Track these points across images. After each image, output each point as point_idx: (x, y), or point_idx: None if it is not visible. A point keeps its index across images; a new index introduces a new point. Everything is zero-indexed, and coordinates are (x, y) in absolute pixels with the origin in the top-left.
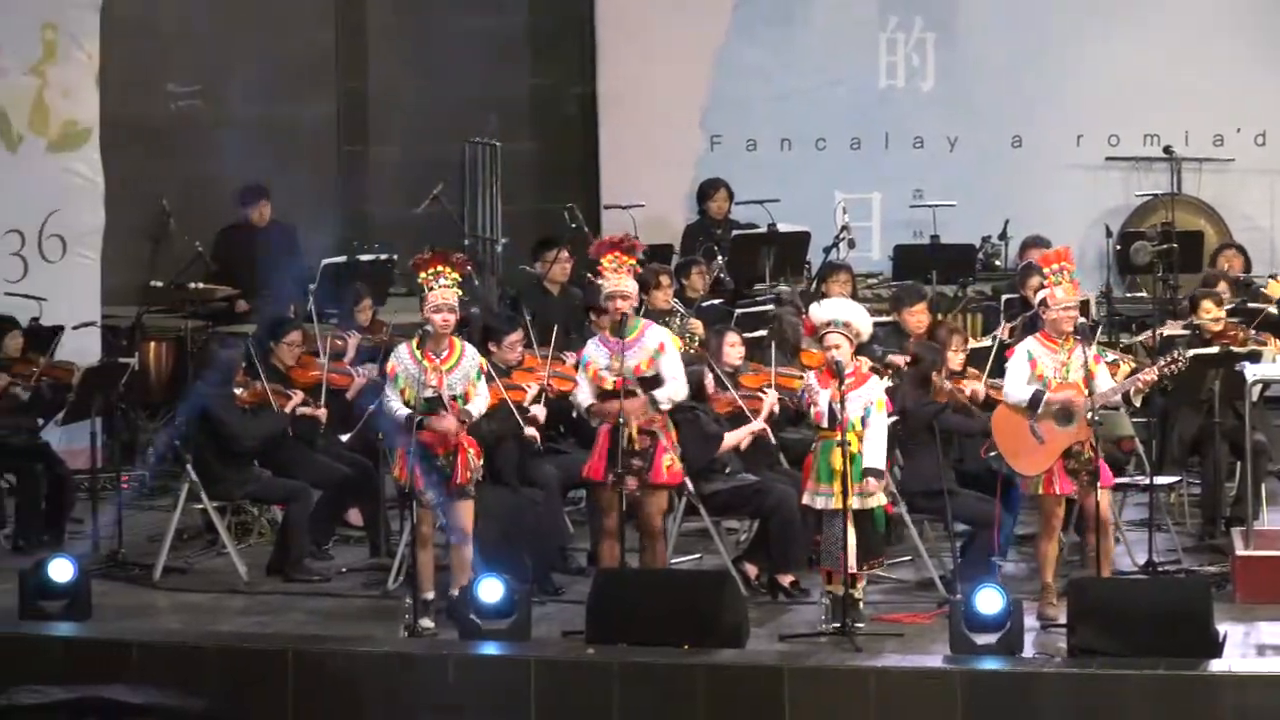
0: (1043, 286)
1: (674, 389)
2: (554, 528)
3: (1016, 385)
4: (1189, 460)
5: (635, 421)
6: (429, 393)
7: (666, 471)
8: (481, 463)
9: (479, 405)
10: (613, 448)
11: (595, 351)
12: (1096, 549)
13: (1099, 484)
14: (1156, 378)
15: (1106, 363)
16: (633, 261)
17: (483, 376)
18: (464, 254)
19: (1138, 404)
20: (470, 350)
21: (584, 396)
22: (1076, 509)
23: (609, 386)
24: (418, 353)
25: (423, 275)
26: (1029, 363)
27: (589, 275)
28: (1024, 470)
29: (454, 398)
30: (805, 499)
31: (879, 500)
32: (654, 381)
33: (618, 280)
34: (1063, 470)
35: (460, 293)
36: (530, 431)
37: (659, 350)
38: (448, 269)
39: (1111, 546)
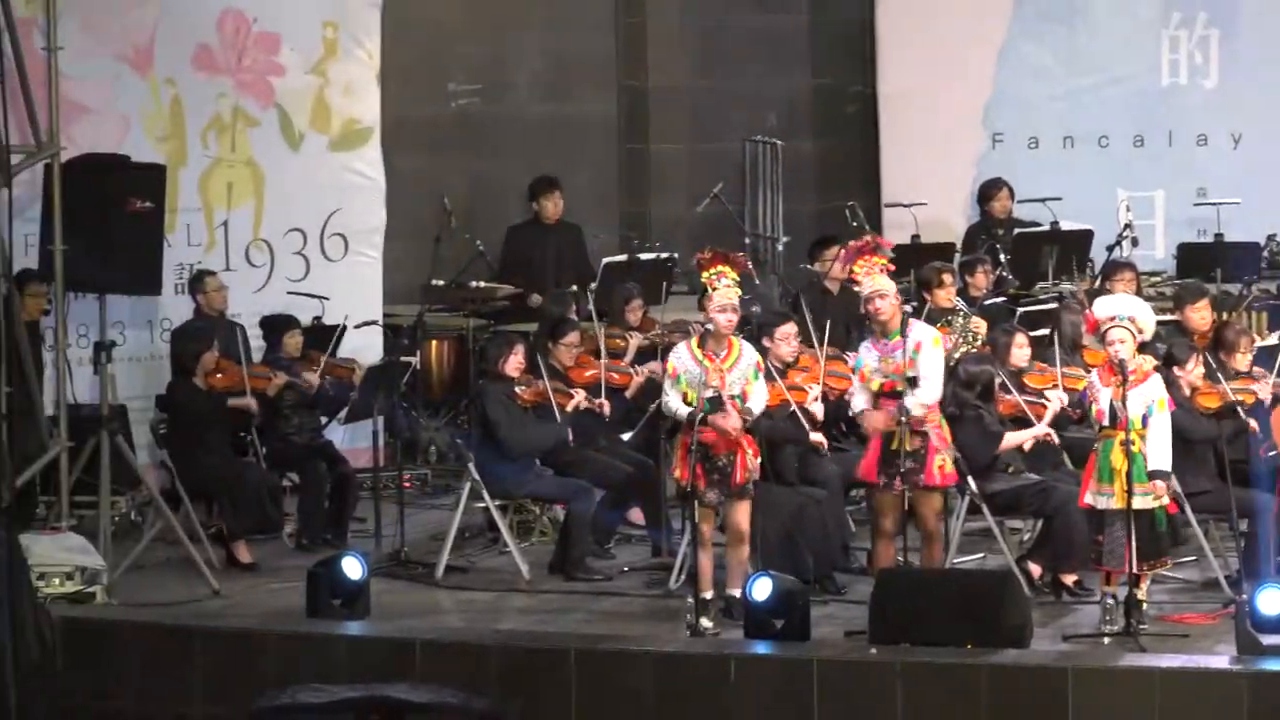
0: None
1: (924, 392)
2: (836, 527)
3: None
4: None
5: (882, 427)
6: (710, 392)
7: (939, 473)
8: (759, 461)
9: (758, 403)
10: (884, 449)
11: (867, 354)
12: None
13: None
14: None
15: None
16: (883, 261)
17: (760, 375)
18: (743, 253)
19: None
20: (748, 349)
21: (857, 403)
22: None
23: (875, 388)
24: (698, 352)
25: (706, 275)
26: None
27: None
28: None
29: (733, 397)
30: (1087, 499)
31: (1160, 500)
32: (914, 382)
33: (872, 282)
34: None
35: (740, 291)
36: (816, 437)
37: (916, 349)
38: (729, 268)
39: None
